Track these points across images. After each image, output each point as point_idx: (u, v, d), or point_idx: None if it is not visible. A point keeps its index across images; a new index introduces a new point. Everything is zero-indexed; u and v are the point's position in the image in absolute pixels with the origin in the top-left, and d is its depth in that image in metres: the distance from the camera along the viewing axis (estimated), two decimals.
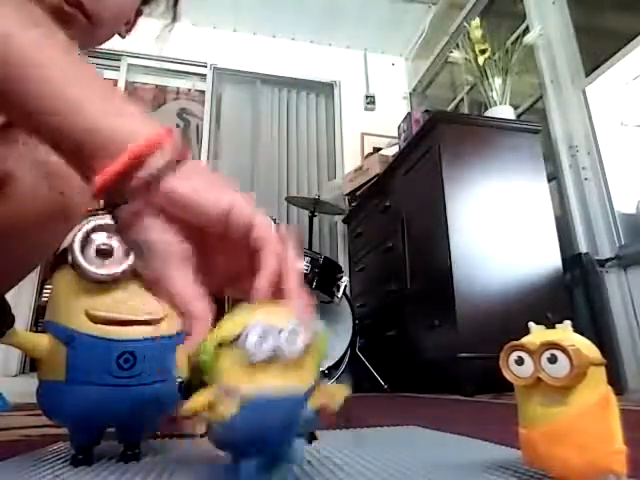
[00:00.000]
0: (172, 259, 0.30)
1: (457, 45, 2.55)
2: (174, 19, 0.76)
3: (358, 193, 2.85)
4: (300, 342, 0.27)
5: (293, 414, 0.27)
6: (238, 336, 0.27)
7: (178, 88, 3.48)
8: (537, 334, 0.39)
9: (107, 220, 0.47)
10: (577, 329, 0.38)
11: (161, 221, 0.30)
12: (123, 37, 0.69)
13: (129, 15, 0.66)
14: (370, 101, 3.58)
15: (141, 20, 0.76)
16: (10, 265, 0.65)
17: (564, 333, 0.38)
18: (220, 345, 0.28)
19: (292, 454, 0.28)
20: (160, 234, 0.30)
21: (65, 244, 0.47)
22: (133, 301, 0.46)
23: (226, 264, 0.33)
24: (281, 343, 0.27)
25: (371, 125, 3.49)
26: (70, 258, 0.45)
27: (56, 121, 0.30)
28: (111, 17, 0.60)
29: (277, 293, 0.31)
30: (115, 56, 3.29)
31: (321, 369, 0.31)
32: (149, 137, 0.29)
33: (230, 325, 0.28)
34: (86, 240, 0.46)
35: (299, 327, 0.28)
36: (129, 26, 0.68)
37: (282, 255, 0.31)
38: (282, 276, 0.31)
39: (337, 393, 0.30)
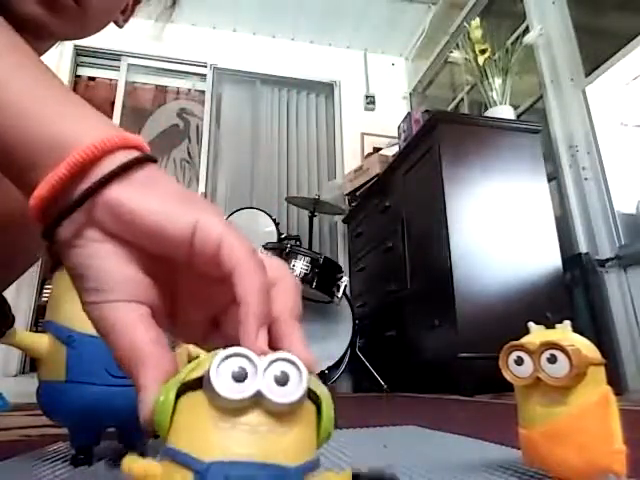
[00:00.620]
0: (120, 293, 0.23)
1: (457, 45, 2.55)
2: (174, 3, 0.73)
3: (358, 193, 2.85)
4: (295, 391, 0.19)
5: None
6: (207, 374, 0.19)
7: (178, 88, 3.49)
8: (537, 334, 0.39)
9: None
10: (577, 329, 0.38)
11: (112, 247, 0.23)
12: (120, 27, 0.67)
13: (124, 2, 0.63)
14: (370, 101, 3.59)
15: (140, 21, 0.75)
16: (12, 257, 0.65)
17: (564, 333, 0.38)
18: (182, 391, 0.20)
19: None
20: (106, 262, 0.23)
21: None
22: None
23: (204, 306, 0.26)
24: (265, 386, 0.19)
25: (371, 125, 3.49)
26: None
27: None
28: (103, 3, 0.57)
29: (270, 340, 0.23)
30: (115, 56, 3.29)
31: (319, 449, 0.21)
32: (96, 141, 0.23)
33: (200, 364, 0.20)
34: None
35: (295, 370, 0.19)
36: (126, 15, 0.66)
37: (265, 283, 0.22)
38: (274, 316, 0.23)
39: None
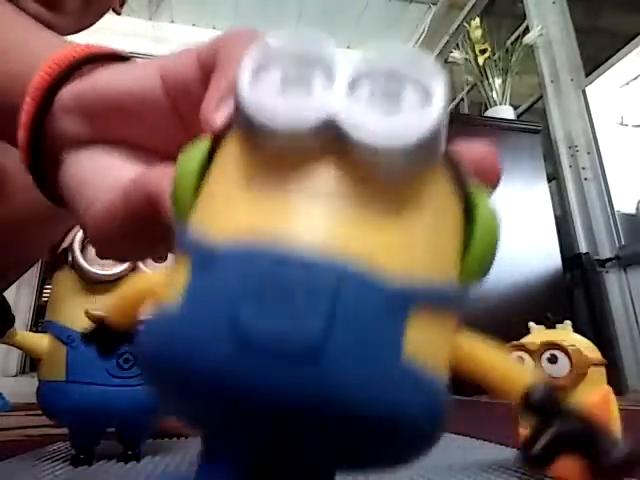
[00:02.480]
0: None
1: (457, 45, 2.55)
2: None
3: None
4: (413, 121, 0.09)
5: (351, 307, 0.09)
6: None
7: None
8: (537, 334, 0.39)
9: None
10: (577, 329, 0.38)
11: (96, 148, 0.19)
12: (119, 13, 0.67)
13: None
14: None
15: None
16: (9, 262, 0.65)
17: (564, 333, 0.38)
18: (212, 150, 0.11)
19: None
20: (91, 162, 0.19)
21: (65, 244, 0.47)
22: None
23: None
24: (350, 109, 0.10)
25: None
26: (70, 258, 0.45)
27: None
28: None
29: None
30: None
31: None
32: (48, 63, 0.20)
33: None
34: (86, 240, 0.46)
35: (414, 86, 0.10)
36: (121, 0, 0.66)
37: None
38: None
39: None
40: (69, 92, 0.19)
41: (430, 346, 0.10)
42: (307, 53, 0.10)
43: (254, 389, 0.08)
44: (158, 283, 0.11)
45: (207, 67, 0.16)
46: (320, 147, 0.10)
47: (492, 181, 0.13)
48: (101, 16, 0.61)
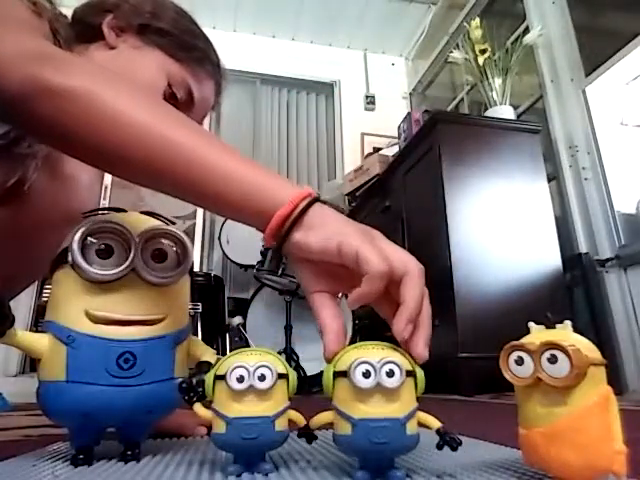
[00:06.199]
0: (312, 288, 0.42)
1: (457, 45, 2.55)
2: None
3: (358, 193, 2.85)
4: (399, 379, 0.35)
5: (394, 435, 0.35)
6: (347, 371, 0.35)
7: None
8: (537, 334, 0.39)
9: (107, 221, 0.47)
10: (577, 329, 0.38)
11: (304, 264, 0.42)
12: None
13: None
14: (370, 101, 3.59)
15: None
16: (24, 265, 0.66)
17: (564, 333, 0.38)
18: (335, 374, 0.37)
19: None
20: (301, 272, 0.43)
21: (65, 244, 0.47)
22: (133, 301, 0.46)
23: (343, 285, 0.43)
24: (380, 378, 0.35)
25: (371, 125, 3.49)
26: (70, 258, 0.45)
27: (230, 195, 0.42)
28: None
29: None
30: None
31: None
32: (291, 199, 0.40)
33: (344, 359, 0.37)
34: (86, 240, 0.46)
35: (398, 368, 0.36)
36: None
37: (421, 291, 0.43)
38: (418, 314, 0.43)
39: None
40: (296, 240, 0.40)
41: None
42: (369, 364, 0.37)
43: None
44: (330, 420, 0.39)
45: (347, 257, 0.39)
46: (376, 390, 0.37)
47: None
48: None
